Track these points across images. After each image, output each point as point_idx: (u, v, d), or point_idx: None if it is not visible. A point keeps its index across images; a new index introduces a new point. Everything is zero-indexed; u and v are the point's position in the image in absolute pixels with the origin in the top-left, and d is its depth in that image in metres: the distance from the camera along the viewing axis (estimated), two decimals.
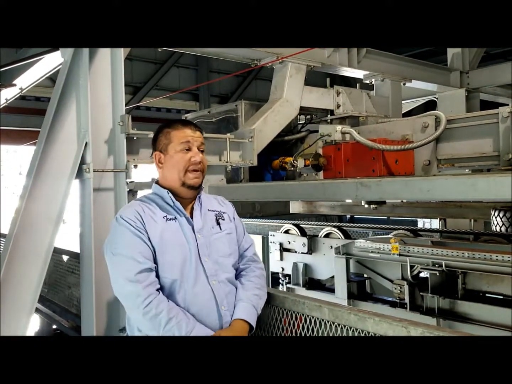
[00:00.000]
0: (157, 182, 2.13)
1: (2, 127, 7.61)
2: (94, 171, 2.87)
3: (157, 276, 1.92)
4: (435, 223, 7.72)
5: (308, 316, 2.04)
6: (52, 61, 3.71)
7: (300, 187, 3.13)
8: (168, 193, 2.05)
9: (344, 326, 1.89)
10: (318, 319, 2.00)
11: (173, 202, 2.04)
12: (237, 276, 2.14)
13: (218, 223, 2.12)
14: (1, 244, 4.59)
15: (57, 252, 4.35)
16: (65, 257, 4.36)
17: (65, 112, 2.94)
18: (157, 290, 1.89)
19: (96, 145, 2.93)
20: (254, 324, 2.00)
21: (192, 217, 2.06)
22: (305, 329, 2.06)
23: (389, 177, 3.03)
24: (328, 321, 1.96)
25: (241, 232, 2.23)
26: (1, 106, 5.04)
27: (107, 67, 3.01)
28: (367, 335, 1.81)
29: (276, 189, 3.33)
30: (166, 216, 2.01)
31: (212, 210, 2.15)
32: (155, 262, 1.93)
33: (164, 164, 2.08)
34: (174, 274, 1.94)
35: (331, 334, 1.94)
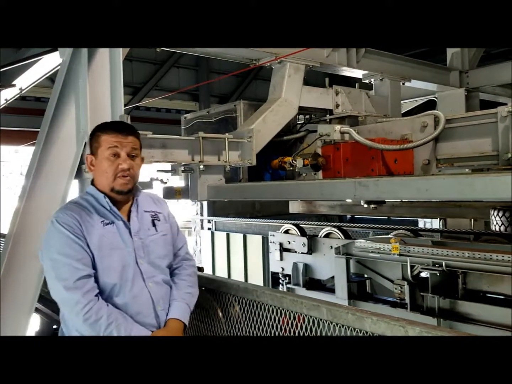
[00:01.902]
0: (93, 183, 2.10)
1: (2, 128, 7.63)
2: None
3: (97, 280, 1.93)
4: (436, 223, 7.72)
5: (306, 315, 2.04)
6: (51, 61, 3.72)
7: (299, 187, 3.13)
8: (104, 197, 2.02)
9: (342, 325, 1.89)
10: (316, 318, 2.00)
11: (110, 206, 2.03)
12: (170, 274, 2.19)
13: (154, 225, 2.14)
14: (1, 244, 4.60)
15: None
16: None
17: (64, 113, 2.95)
18: (96, 295, 1.90)
19: None
20: (187, 322, 2.10)
21: (129, 220, 2.07)
22: (303, 329, 2.06)
23: (387, 176, 3.03)
24: (326, 321, 1.96)
25: (175, 232, 2.26)
26: (1, 107, 5.04)
27: (106, 67, 3.01)
28: (365, 334, 1.81)
29: (274, 189, 3.33)
30: (103, 220, 1.99)
31: (148, 211, 2.16)
32: (94, 267, 1.93)
33: (95, 167, 2.05)
34: (113, 279, 1.95)
35: (329, 334, 1.94)
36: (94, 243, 1.94)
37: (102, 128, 2.07)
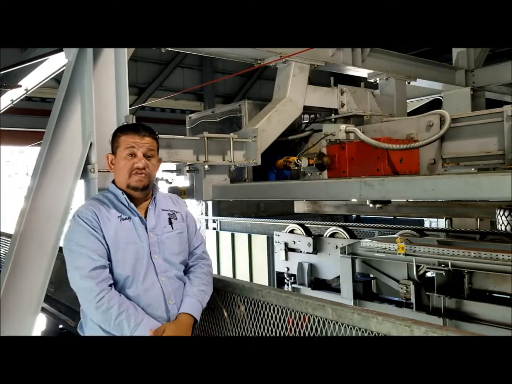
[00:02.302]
0: (113, 181, 2.23)
1: (8, 128, 7.67)
2: (99, 171, 2.88)
3: (111, 272, 2.05)
4: (442, 223, 7.68)
5: (311, 315, 2.04)
6: (56, 62, 3.73)
7: (304, 187, 3.12)
8: (122, 193, 2.15)
9: (348, 325, 1.88)
10: (321, 318, 1.99)
11: (128, 202, 2.15)
12: (186, 272, 2.28)
13: (171, 223, 2.24)
14: (5, 244, 4.62)
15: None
16: None
17: (70, 113, 2.95)
18: (110, 285, 2.01)
19: (101, 146, 2.93)
20: (198, 317, 2.16)
21: (146, 217, 2.18)
22: (309, 329, 2.05)
23: (393, 176, 3.02)
24: (331, 321, 1.95)
25: (193, 231, 2.36)
26: (7, 107, 5.07)
27: (111, 68, 3.02)
28: (371, 334, 1.80)
29: (279, 188, 3.33)
30: (120, 215, 2.12)
31: (166, 210, 2.27)
32: (109, 259, 2.05)
33: (114, 166, 2.20)
34: (126, 271, 2.07)
35: (334, 334, 1.94)
36: (110, 236, 2.06)
37: (122, 129, 2.22)
